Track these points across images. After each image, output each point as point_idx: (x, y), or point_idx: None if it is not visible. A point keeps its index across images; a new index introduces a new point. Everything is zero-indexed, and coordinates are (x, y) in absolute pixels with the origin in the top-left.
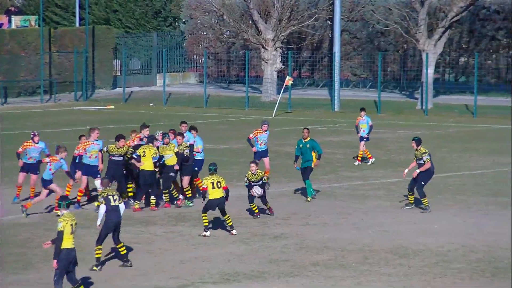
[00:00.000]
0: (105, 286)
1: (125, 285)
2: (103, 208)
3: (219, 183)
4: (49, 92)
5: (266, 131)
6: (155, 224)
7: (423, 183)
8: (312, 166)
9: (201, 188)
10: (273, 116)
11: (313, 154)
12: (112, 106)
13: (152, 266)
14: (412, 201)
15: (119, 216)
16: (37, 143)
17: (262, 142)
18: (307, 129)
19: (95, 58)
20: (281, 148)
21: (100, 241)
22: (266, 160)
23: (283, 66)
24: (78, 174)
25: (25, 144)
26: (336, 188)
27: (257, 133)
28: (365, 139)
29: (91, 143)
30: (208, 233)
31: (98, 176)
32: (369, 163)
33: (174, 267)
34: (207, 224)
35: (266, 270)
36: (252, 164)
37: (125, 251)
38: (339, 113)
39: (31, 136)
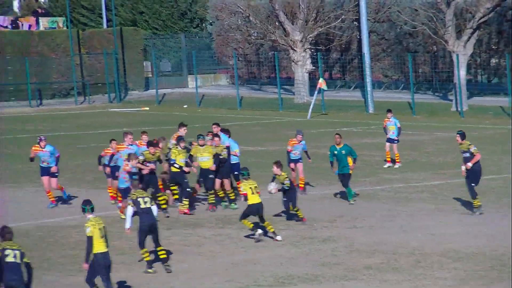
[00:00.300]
0: None
1: (181, 287)
2: (130, 210)
3: (256, 188)
4: (83, 94)
5: (300, 141)
6: (202, 227)
7: (473, 184)
8: (350, 172)
9: (240, 193)
10: (308, 118)
11: (349, 159)
12: (147, 108)
13: (204, 269)
14: (480, 203)
15: (152, 218)
16: (44, 147)
17: (296, 152)
18: (339, 134)
19: (125, 59)
20: (318, 150)
21: (141, 244)
22: (299, 165)
23: (313, 67)
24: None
25: (34, 148)
26: (378, 191)
27: (293, 143)
28: (395, 141)
29: (125, 147)
30: (260, 231)
31: (133, 177)
32: (386, 166)
33: (227, 270)
34: (252, 226)
35: (319, 273)
36: (274, 166)
37: (165, 255)
38: (374, 115)
39: (38, 141)
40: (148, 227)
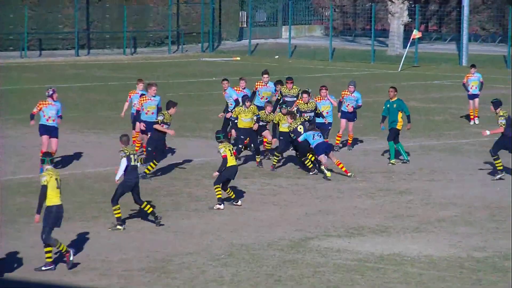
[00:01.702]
0: (233, 235)
1: (252, 235)
2: (124, 162)
3: (231, 150)
4: (177, 43)
5: (353, 92)
6: (280, 177)
7: (495, 148)
8: (399, 128)
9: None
10: (399, 70)
11: (399, 115)
12: (238, 58)
13: (277, 217)
14: (501, 167)
15: (137, 176)
16: (56, 101)
17: (348, 104)
18: (394, 88)
19: (222, 9)
20: (406, 102)
21: (116, 201)
22: (350, 124)
23: (410, 19)
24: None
25: (41, 103)
26: (463, 144)
27: (343, 94)
28: (477, 96)
29: (148, 99)
30: (222, 206)
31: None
32: (472, 124)
33: (299, 219)
34: (221, 195)
35: (391, 225)
36: (288, 117)
37: (151, 209)
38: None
39: (50, 93)
40: (133, 184)
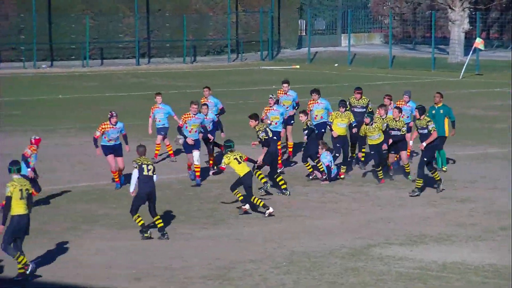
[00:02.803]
0: (294, 243)
1: (313, 243)
2: (135, 174)
3: (241, 157)
4: (236, 51)
5: (408, 102)
6: (341, 184)
7: (425, 159)
8: (447, 136)
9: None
10: (460, 77)
11: (446, 121)
12: (297, 66)
13: (338, 225)
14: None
15: (152, 186)
16: (115, 124)
17: (404, 115)
18: (440, 93)
19: (281, 18)
20: (467, 110)
21: (133, 211)
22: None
23: (471, 27)
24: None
25: (103, 126)
26: None
27: (398, 104)
28: None
29: (192, 117)
30: (247, 206)
31: (198, 149)
32: None
33: (360, 227)
34: (242, 197)
35: (453, 233)
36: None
37: (162, 224)
38: None
39: (109, 116)
40: (146, 195)
